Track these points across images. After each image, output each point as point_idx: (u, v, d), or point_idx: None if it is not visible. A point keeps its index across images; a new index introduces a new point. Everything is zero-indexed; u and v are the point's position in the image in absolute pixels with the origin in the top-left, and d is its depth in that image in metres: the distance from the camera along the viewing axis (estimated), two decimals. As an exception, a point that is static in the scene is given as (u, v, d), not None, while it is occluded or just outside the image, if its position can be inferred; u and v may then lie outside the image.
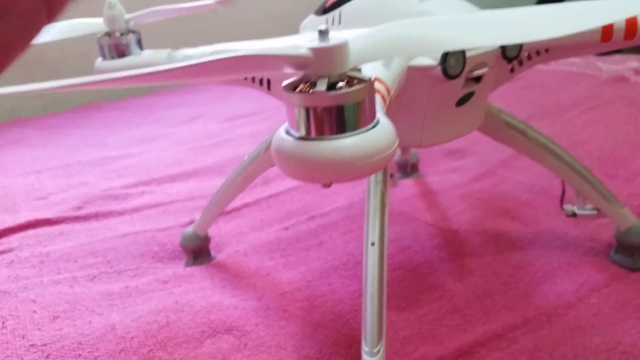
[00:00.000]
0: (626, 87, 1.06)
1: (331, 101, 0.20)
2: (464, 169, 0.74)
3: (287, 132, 0.22)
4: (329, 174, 0.21)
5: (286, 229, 0.63)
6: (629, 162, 0.70)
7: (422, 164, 0.75)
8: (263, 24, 1.48)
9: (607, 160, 0.72)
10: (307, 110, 0.21)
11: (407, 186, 0.70)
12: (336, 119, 0.21)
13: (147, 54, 0.52)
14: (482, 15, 0.21)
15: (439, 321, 0.44)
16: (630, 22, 0.40)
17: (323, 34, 0.20)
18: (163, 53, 0.52)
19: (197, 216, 0.57)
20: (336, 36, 0.21)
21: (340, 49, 0.20)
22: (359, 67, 0.21)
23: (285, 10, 1.43)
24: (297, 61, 0.20)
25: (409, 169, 0.74)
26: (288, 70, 0.21)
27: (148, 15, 0.52)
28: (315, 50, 0.20)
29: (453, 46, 0.20)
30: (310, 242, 0.59)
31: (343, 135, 0.21)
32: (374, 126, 0.22)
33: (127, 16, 0.51)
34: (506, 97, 1.02)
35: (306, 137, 0.21)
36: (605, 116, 0.90)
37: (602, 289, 0.47)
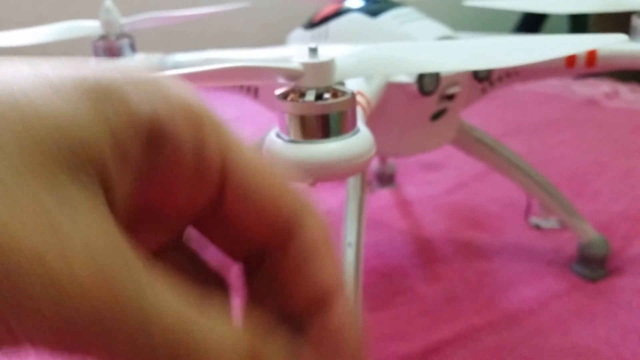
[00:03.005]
0: (597, 111, 1.11)
1: (318, 110, 0.23)
2: (439, 181, 0.77)
3: (278, 136, 0.25)
4: (314, 173, 0.24)
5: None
6: (595, 181, 0.74)
7: (398, 175, 0.78)
8: (247, 33, 1.51)
9: (575, 178, 0.75)
10: (297, 117, 0.24)
11: (383, 196, 0.73)
12: (322, 125, 0.24)
13: (139, 58, 0.54)
14: (455, 42, 0.24)
15: (409, 322, 0.47)
16: (590, 53, 0.43)
17: (313, 51, 0.23)
18: (155, 57, 0.54)
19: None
20: (324, 53, 0.23)
21: (328, 65, 0.23)
22: (343, 82, 0.24)
23: (270, 21, 1.47)
24: (289, 73, 0.23)
25: (386, 179, 0.77)
26: (280, 80, 0.24)
27: (143, 21, 0.54)
28: (306, 65, 0.23)
29: (427, 69, 0.23)
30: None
31: (328, 139, 0.24)
32: (355, 133, 0.25)
33: (122, 21, 0.54)
34: (482, 115, 1.06)
35: (295, 140, 0.24)
36: (575, 137, 0.95)
37: (562, 297, 0.50)
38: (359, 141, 0.24)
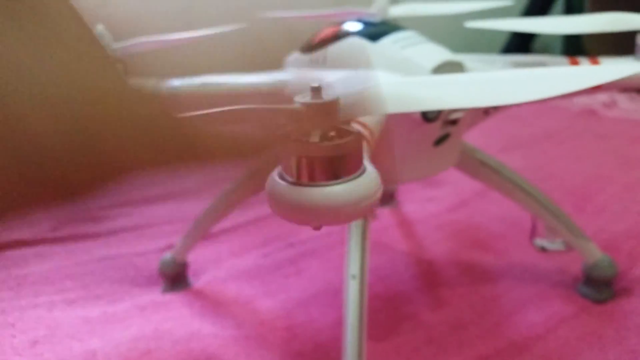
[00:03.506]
0: (596, 121, 1.10)
1: (323, 152, 0.22)
2: (440, 199, 0.76)
3: (281, 177, 0.23)
4: (319, 217, 0.23)
5: (265, 256, 0.63)
6: (597, 196, 0.73)
7: (399, 193, 0.77)
8: (244, 56, 1.50)
9: (577, 193, 0.75)
10: (300, 159, 0.22)
11: (384, 215, 0.72)
12: (327, 167, 0.22)
13: (134, 83, 0.53)
14: (466, 76, 0.22)
15: (415, 351, 0.46)
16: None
17: (316, 90, 0.22)
18: (149, 82, 0.53)
19: (175, 240, 0.57)
20: (327, 91, 0.22)
21: (332, 105, 0.22)
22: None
23: (267, 43, 1.47)
24: (291, 115, 0.22)
25: (386, 197, 0.75)
26: (283, 121, 0.22)
27: (136, 45, 0.53)
28: (309, 106, 0.21)
29: (438, 106, 0.22)
30: (289, 270, 0.60)
31: (333, 182, 0.23)
32: (361, 174, 0.23)
33: (114, 46, 0.52)
34: (481, 129, 1.05)
35: (298, 183, 0.23)
36: (576, 149, 0.94)
37: (570, 321, 0.49)
38: (365, 183, 0.23)
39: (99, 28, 0.51)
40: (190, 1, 1.19)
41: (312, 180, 0.23)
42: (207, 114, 0.21)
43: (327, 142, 0.22)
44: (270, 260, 0.62)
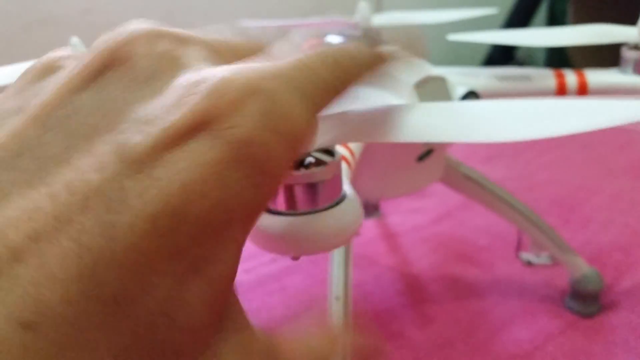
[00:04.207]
0: (578, 130, 1.10)
1: (300, 180, 0.21)
2: (425, 210, 0.75)
3: (255, 205, 0.22)
4: (297, 248, 0.22)
5: (247, 271, 0.62)
6: (583, 208, 0.73)
7: (383, 204, 0.76)
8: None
9: (562, 204, 0.74)
10: (276, 187, 0.21)
11: (368, 227, 0.71)
12: (305, 195, 0.21)
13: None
14: (468, 105, 0.20)
15: (400, 372, 0.45)
16: (581, 84, 0.42)
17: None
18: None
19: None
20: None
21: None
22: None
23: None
24: None
25: (370, 208, 0.74)
26: None
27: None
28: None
29: (433, 138, 0.20)
30: (272, 287, 0.58)
31: (311, 210, 0.21)
32: (341, 201, 0.22)
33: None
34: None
35: (275, 212, 0.21)
36: (560, 159, 0.94)
37: (557, 337, 0.48)
38: (346, 210, 0.22)
39: (74, 40, 0.49)
40: (172, 10, 1.18)
41: (289, 209, 0.21)
42: None
43: (303, 169, 0.21)
44: (253, 276, 0.61)
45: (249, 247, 0.57)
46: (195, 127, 0.12)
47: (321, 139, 0.21)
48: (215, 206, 0.11)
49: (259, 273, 0.61)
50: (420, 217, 0.73)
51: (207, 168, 0.11)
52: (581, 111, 0.19)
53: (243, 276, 0.61)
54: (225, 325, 0.12)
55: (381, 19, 0.58)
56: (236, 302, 0.13)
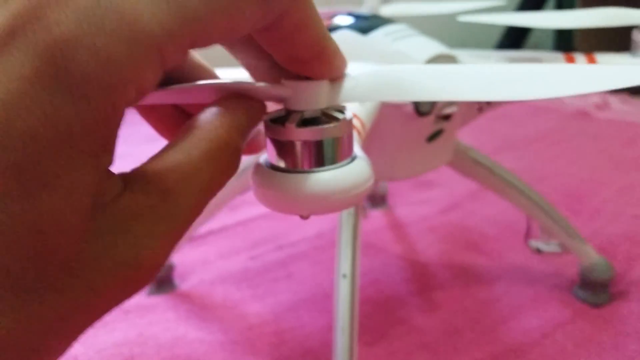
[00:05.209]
0: (589, 122, 1.10)
1: (310, 136, 0.20)
2: (432, 201, 0.75)
3: (266, 164, 0.22)
4: (307, 206, 0.21)
5: (253, 258, 0.62)
6: (592, 199, 0.72)
7: (390, 195, 0.76)
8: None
9: (571, 195, 0.74)
10: (287, 144, 0.21)
11: (375, 217, 0.71)
12: (315, 153, 0.21)
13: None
14: (475, 67, 0.20)
15: (408, 357, 0.44)
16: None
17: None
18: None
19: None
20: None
21: (318, 86, 0.20)
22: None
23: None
24: (276, 95, 0.20)
25: (377, 199, 0.74)
26: (268, 101, 0.21)
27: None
28: (295, 86, 0.20)
29: (442, 97, 0.20)
30: (279, 273, 0.58)
31: (321, 168, 0.21)
32: (351, 161, 0.22)
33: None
34: (473, 129, 1.04)
35: (285, 169, 0.21)
36: (569, 151, 0.93)
37: (566, 326, 0.48)
38: (356, 169, 0.21)
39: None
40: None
41: (299, 167, 0.21)
42: (192, 87, 0.19)
43: (314, 126, 0.20)
44: (259, 263, 0.60)
45: (255, 234, 0.57)
46: (12, 32, 0.11)
47: (335, 96, 0.21)
48: (43, 123, 0.11)
49: (265, 260, 0.61)
50: (428, 207, 0.73)
51: (22, 84, 0.11)
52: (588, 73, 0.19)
53: (249, 263, 0.60)
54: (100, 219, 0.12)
55: (389, 10, 0.58)
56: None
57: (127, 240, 0.13)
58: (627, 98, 1.22)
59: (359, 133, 0.27)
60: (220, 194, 0.51)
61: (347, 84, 0.21)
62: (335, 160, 0.21)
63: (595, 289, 0.51)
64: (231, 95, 0.18)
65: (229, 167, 0.17)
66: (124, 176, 0.14)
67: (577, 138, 1.00)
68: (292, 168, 0.21)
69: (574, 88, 0.18)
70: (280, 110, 0.22)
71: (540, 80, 0.19)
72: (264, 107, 0.19)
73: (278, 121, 0.21)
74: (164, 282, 0.56)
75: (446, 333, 0.47)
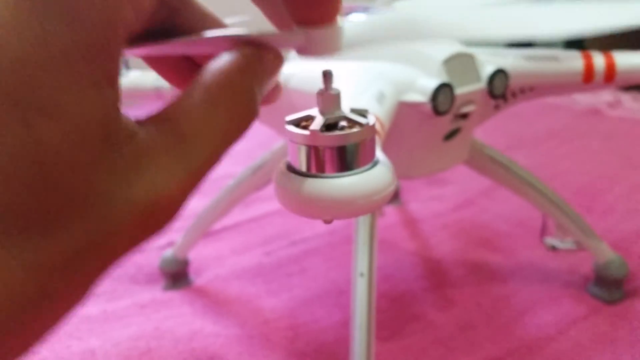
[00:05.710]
0: (601, 120, 1.09)
1: (334, 142, 0.21)
2: (445, 198, 0.75)
3: (289, 168, 0.22)
4: (330, 211, 0.21)
5: (267, 254, 0.62)
6: (605, 196, 0.72)
7: (403, 191, 0.76)
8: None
9: (584, 193, 0.73)
10: (310, 149, 0.21)
11: (389, 213, 0.71)
12: (338, 158, 0.21)
13: (134, 75, 0.52)
14: (494, 7, 0.20)
15: (422, 352, 0.44)
16: (609, 67, 0.41)
17: (327, 76, 0.20)
18: (150, 75, 0.52)
19: (175, 238, 0.56)
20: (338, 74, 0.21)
21: (331, 30, 0.19)
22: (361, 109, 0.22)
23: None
24: (288, 41, 0.20)
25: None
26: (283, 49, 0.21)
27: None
28: (310, 33, 0.19)
29: (462, 35, 0.20)
30: (292, 269, 0.58)
31: (344, 173, 0.21)
32: (374, 165, 0.22)
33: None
34: (484, 127, 1.04)
35: (308, 174, 0.21)
36: (581, 149, 0.93)
37: (581, 322, 0.48)
38: (379, 174, 0.22)
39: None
40: None
41: (323, 172, 0.21)
42: (203, 39, 0.18)
43: (338, 131, 0.21)
44: (273, 259, 0.61)
45: (268, 231, 0.58)
46: None
47: (352, 40, 0.20)
48: (36, 48, 0.11)
49: (279, 255, 0.61)
50: (441, 204, 0.73)
51: (9, 10, 0.11)
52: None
53: (263, 259, 0.61)
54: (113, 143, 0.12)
55: (403, 5, 0.57)
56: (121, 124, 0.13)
57: (143, 179, 0.13)
58: (638, 96, 1.21)
59: (378, 134, 0.28)
60: (236, 190, 0.52)
61: (360, 28, 0.20)
62: (358, 165, 0.21)
63: (610, 286, 0.51)
64: (244, 43, 0.18)
65: (247, 114, 0.16)
66: (138, 121, 0.13)
67: (588, 136, 0.99)
68: (316, 173, 0.21)
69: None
70: (302, 113, 0.22)
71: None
72: (279, 56, 0.18)
73: (301, 125, 0.21)
74: (179, 278, 0.57)
75: (461, 329, 0.47)
